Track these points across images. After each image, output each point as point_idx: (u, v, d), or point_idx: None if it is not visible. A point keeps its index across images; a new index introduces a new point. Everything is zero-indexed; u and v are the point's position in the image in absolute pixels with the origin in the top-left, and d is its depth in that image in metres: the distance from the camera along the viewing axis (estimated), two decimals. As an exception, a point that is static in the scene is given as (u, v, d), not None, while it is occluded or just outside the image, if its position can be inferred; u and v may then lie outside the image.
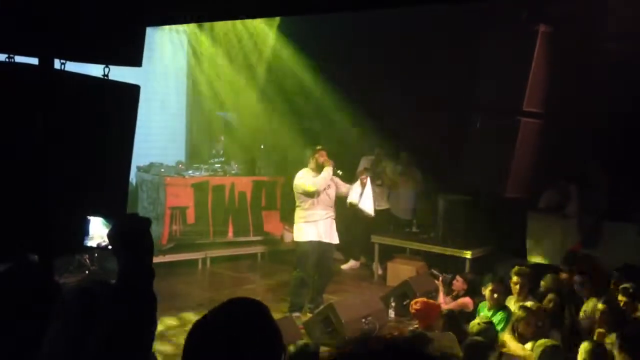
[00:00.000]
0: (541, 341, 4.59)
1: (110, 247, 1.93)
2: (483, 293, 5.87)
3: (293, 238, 9.11)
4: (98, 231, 2.18)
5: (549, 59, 8.22)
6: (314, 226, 6.99)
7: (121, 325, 1.75)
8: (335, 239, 7.19)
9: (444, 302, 6.46)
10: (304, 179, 7.00)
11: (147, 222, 1.91)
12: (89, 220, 2.19)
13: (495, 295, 5.65)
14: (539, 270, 6.68)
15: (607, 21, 7.74)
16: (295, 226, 7.15)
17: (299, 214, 7.08)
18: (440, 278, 6.89)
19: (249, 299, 1.79)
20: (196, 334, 1.68)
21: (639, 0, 6.41)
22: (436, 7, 6.56)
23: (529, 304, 5.27)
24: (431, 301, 6.09)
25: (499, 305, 5.66)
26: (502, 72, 8.32)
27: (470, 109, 8.85)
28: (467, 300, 6.46)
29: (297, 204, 7.09)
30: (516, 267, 5.94)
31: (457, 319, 5.50)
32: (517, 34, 8.32)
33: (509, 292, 5.85)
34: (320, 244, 7.01)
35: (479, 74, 8.63)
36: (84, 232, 2.20)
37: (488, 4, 7.50)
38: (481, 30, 8.33)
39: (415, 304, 5.78)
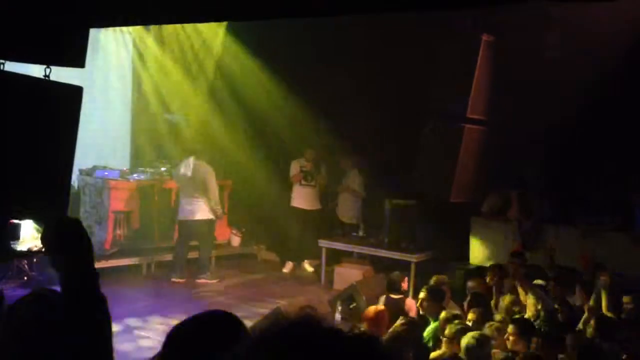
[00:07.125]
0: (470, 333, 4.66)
1: (44, 250, 1.87)
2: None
3: (238, 243, 9.51)
4: (29, 235, 2.10)
5: (492, 68, 8.44)
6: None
7: (81, 332, 1.72)
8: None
9: None
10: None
11: (79, 222, 1.88)
12: (19, 224, 2.11)
13: (425, 304, 5.72)
14: (477, 274, 6.89)
15: (548, 32, 7.99)
16: (204, 209, 8.77)
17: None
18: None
19: (225, 312, 1.80)
20: (175, 338, 1.70)
21: (580, 12, 6.63)
22: (391, 15, 6.63)
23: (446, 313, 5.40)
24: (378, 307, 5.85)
25: (431, 315, 5.64)
26: (449, 79, 8.49)
27: (420, 114, 8.98)
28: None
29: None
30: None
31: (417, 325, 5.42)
32: (463, 42, 8.51)
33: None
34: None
35: (429, 80, 8.76)
36: (14, 236, 2.12)
37: (441, 13, 7.62)
38: (433, 37, 8.45)
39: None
